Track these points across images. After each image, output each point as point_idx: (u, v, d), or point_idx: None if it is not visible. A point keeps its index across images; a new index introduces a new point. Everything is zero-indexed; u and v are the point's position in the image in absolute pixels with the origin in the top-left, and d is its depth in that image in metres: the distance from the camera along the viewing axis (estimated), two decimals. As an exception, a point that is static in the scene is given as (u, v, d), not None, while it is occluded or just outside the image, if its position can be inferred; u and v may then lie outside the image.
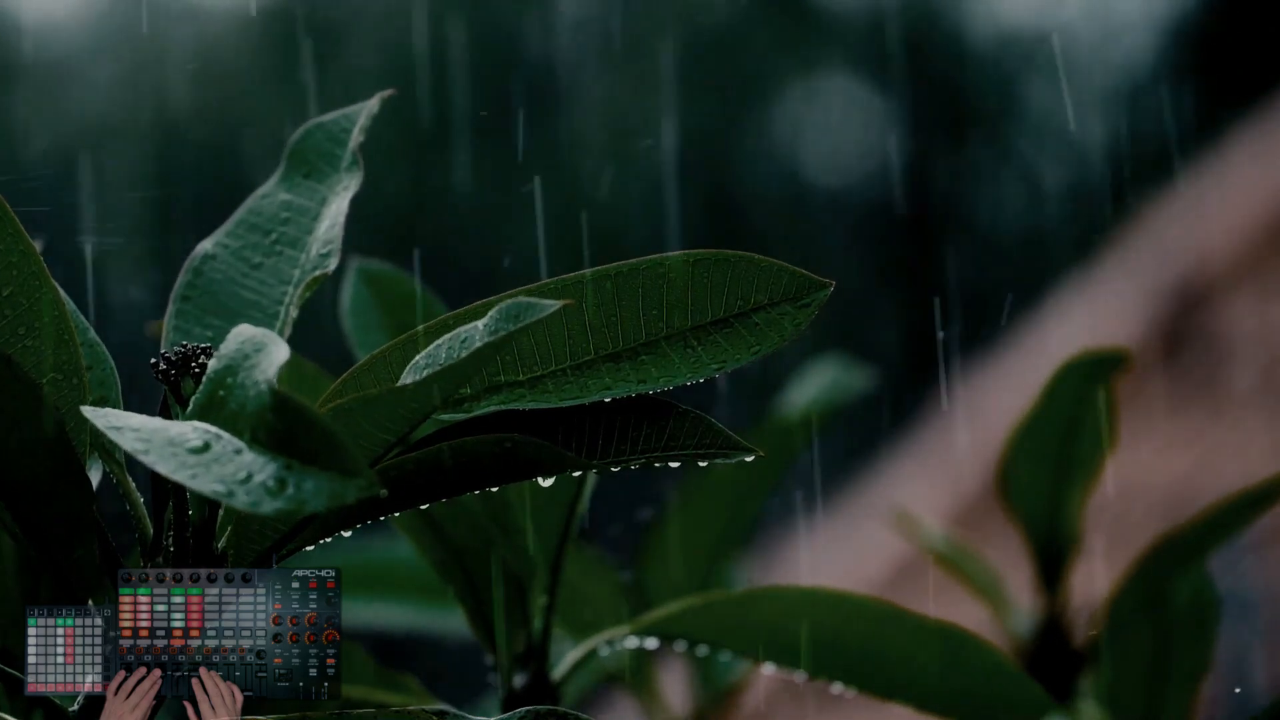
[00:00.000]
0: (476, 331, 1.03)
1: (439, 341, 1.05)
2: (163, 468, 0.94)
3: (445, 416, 1.08)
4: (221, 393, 0.99)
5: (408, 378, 1.05)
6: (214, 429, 0.97)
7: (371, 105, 1.24)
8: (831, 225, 6.40)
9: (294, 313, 1.17)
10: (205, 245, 1.21)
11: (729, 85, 6.30)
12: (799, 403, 2.03)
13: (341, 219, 1.19)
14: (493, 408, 1.08)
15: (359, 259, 1.49)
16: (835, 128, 6.53)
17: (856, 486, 4.10)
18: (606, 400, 1.09)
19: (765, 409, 2.08)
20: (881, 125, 6.49)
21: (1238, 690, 3.01)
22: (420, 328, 1.09)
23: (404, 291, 1.48)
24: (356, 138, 1.23)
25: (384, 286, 1.48)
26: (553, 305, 1.01)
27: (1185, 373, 3.68)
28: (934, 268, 6.27)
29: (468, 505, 1.40)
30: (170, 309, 1.19)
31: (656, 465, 1.11)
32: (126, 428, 0.97)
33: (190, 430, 0.97)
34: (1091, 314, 3.86)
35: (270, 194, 1.23)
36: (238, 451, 0.95)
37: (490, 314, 1.03)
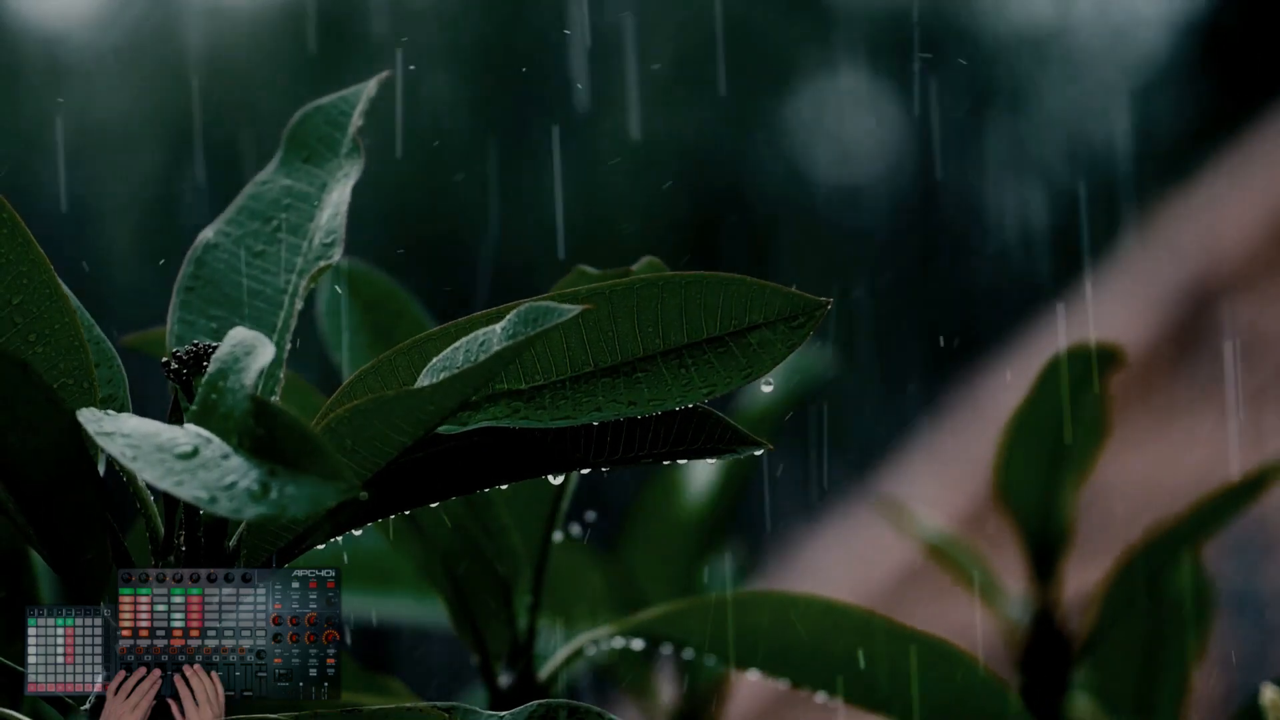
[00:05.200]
0: (494, 335, 1.01)
1: (456, 344, 1.04)
2: (149, 475, 0.93)
3: (441, 429, 1.07)
4: (214, 396, 0.98)
5: (425, 380, 1.04)
6: (206, 433, 0.96)
7: (370, 88, 1.22)
8: (841, 222, 6.39)
9: (299, 304, 1.16)
10: (207, 234, 1.20)
11: (735, 80, 6.30)
12: (766, 392, 2.01)
13: (344, 208, 1.17)
14: (486, 422, 1.07)
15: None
16: (845, 123, 6.52)
17: (866, 486, 4.10)
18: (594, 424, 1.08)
19: (733, 400, 2.07)
20: (891, 122, 6.48)
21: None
22: (424, 334, 1.08)
23: (380, 290, 1.47)
24: (356, 122, 1.21)
25: (360, 285, 1.46)
26: (572, 310, 1.00)
27: (1198, 372, 3.68)
28: (946, 266, 6.26)
29: (449, 505, 1.38)
30: (174, 300, 1.18)
31: (665, 463, 1.10)
32: (117, 433, 0.96)
33: (183, 435, 0.96)
34: (1105, 313, 3.86)
35: (270, 180, 1.21)
36: (225, 456, 0.94)
37: (508, 318, 1.01)
